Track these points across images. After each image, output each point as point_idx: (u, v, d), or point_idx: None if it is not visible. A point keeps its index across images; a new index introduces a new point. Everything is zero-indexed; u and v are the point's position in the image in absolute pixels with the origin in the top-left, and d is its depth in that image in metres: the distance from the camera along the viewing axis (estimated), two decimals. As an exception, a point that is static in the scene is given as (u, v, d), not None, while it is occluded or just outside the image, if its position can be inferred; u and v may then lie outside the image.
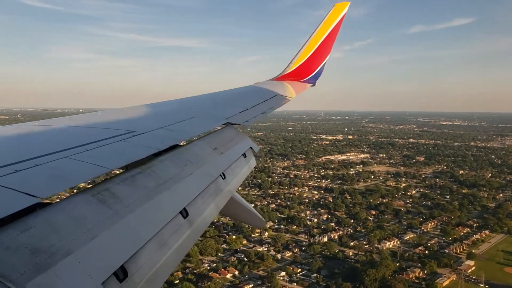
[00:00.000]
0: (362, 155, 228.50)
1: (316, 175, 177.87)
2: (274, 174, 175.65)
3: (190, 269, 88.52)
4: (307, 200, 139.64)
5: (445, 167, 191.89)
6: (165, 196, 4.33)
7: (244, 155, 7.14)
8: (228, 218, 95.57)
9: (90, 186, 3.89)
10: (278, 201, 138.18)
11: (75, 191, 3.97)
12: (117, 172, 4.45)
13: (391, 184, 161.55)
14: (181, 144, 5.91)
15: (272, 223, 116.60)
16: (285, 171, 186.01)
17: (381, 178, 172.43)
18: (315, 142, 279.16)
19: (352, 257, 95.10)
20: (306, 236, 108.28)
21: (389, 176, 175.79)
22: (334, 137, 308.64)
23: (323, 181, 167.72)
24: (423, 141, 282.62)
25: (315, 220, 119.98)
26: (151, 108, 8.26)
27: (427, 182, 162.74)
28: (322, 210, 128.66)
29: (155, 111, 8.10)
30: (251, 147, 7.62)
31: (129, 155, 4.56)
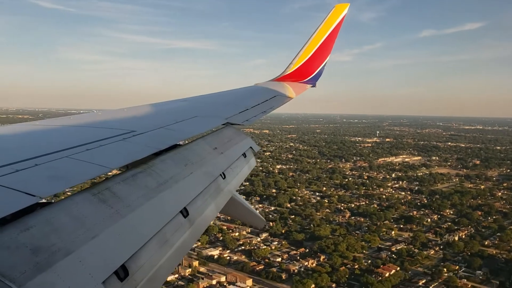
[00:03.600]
0: (415, 158, 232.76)
1: (387, 176, 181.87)
2: (344, 175, 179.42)
3: (349, 266, 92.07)
4: (403, 200, 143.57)
5: (508, 170, 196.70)
6: (165, 196, 4.39)
7: (244, 155, 7.23)
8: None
9: (90, 185, 3.93)
10: (374, 201, 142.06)
11: (75, 189, 4.03)
12: (118, 171, 4.53)
13: (470, 186, 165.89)
14: (182, 143, 5.99)
15: (388, 222, 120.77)
16: (353, 172, 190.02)
17: (454, 180, 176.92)
18: (357, 144, 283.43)
19: (499, 255, 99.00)
20: (434, 235, 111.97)
21: (459, 178, 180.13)
22: (372, 140, 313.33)
23: (400, 182, 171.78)
24: (463, 145, 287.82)
25: (428, 220, 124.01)
26: (151, 108, 8.32)
27: (505, 184, 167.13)
28: (427, 211, 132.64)
29: (155, 110, 8.17)
30: (251, 147, 7.76)
31: (129, 155, 4.62)
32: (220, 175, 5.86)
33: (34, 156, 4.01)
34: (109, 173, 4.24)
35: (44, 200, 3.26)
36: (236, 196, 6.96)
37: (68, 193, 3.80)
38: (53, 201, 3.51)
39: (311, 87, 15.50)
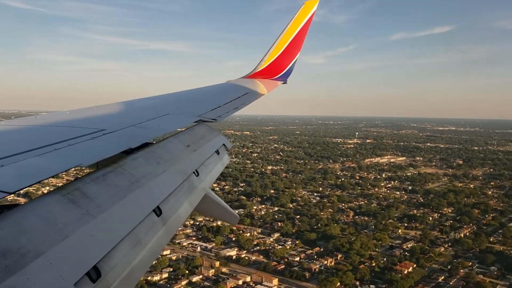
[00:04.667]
0: (400, 158, 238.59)
1: (378, 176, 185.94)
2: (337, 176, 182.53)
3: (367, 263, 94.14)
4: (401, 200, 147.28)
5: (491, 170, 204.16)
6: (137, 195, 4.30)
7: (218, 152, 7.17)
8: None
9: (60, 186, 3.82)
10: (372, 201, 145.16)
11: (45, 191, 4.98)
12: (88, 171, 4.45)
13: (460, 185, 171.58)
14: (154, 142, 5.89)
15: (392, 221, 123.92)
16: (344, 172, 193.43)
17: (443, 180, 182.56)
18: (340, 146, 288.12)
19: (506, 251, 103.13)
20: (439, 233, 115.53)
21: (448, 177, 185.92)
22: (352, 141, 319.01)
23: (392, 182, 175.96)
24: (442, 146, 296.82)
25: (430, 218, 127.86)
26: (122, 106, 8.18)
27: (492, 183, 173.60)
28: (426, 209, 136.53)
29: (126, 109, 8.02)
30: (224, 144, 7.68)
31: (99, 153, 4.53)
32: (194, 172, 5.80)
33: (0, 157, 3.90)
34: (79, 174, 4.21)
35: (12, 203, 3.25)
36: (210, 194, 6.99)
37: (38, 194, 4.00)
38: (21, 203, 3.43)
39: (282, 83, 15.57)
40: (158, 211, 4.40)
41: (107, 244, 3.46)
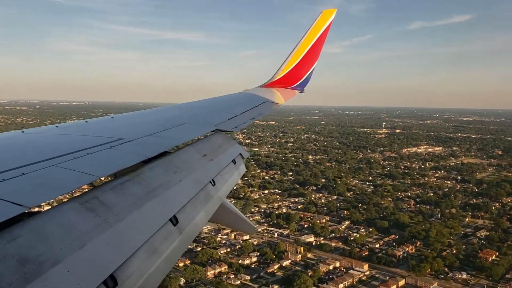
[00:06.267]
0: (437, 148, 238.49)
1: (422, 166, 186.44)
2: (382, 166, 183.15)
3: (448, 251, 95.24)
4: (454, 189, 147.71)
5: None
6: (154, 204, 4.35)
7: (234, 161, 7.17)
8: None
9: (78, 194, 3.88)
10: (427, 190, 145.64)
11: (64, 199, 4.00)
12: (106, 180, 4.47)
13: (509, 175, 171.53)
14: (171, 151, 5.92)
15: (454, 210, 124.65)
16: (388, 162, 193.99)
17: (489, 170, 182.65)
18: (371, 136, 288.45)
19: None
20: (508, 222, 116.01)
21: (494, 168, 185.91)
22: (382, 131, 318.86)
23: (439, 172, 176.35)
24: (473, 136, 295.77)
25: (493, 207, 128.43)
26: (139, 116, 8.30)
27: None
28: (484, 199, 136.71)
29: (143, 118, 8.12)
30: (240, 154, 7.67)
31: (117, 163, 4.58)
32: (210, 182, 5.83)
33: (21, 165, 3.99)
34: (97, 182, 4.24)
35: (32, 210, 3.25)
36: (226, 203, 7.04)
37: (56, 203, 3.78)
38: (41, 210, 3.47)
39: (299, 92, 15.72)
40: (174, 220, 4.43)
41: (124, 253, 3.49)
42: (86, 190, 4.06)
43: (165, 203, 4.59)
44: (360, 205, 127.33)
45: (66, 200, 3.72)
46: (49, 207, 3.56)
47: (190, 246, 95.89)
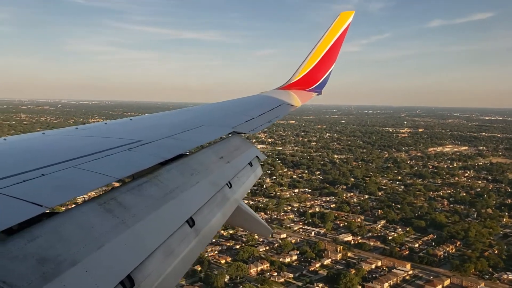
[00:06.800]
0: (463, 148, 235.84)
1: (450, 165, 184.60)
2: (410, 165, 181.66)
3: (489, 252, 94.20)
4: (487, 189, 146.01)
5: None
6: (171, 205, 4.39)
7: (251, 164, 7.20)
8: None
9: (96, 195, 3.94)
10: (458, 189, 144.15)
11: (82, 199, 4.08)
12: (124, 181, 4.53)
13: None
14: (188, 153, 5.96)
15: (490, 210, 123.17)
16: (415, 161, 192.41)
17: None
18: (394, 135, 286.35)
19: None
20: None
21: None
22: (404, 130, 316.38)
23: (468, 171, 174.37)
24: (499, 135, 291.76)
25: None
26: (157, 118, 8.46)
27: None
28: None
29: (161, 120, 8.25)
30: (257, 156, 7.69)
31: (135, 164, 4.64)
32: (226, 184, 5.86)
33: (41, 166, 4.05)
34: (115, 183, 4.29)
35: (51, 210, 3.28)
36: (243, 206, 7.07)
37: (74, 204, 3.87)
38: (60, 210, 3.53)
39: (317, 95, 15.61)
40: (191, 222, 4.47)
41: (141, 254, 3.53)
42: (104, 191, 4.12)
43: (182, 204, 4.63)
44: (393, 204, 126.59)
45: (85, 201, 3.79)
46: (69, 207, 3.61)
47: (229, 244, 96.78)
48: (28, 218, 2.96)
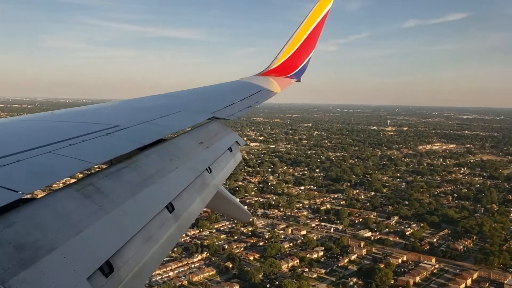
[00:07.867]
0: (450, 146, 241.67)
1: (443, 163, 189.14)
2: (406, 163, 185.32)
3: (506, 245, 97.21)
4: (487, 185, 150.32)
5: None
6: (150, 191, 4.34)
7: (230, 149, 7.18)
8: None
9: (74, 181, 3.84)
10: (459, 186, 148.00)
11: (59, 185, 3.92)
12: (102, 167, 4.42)
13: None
14: (167, 138, 5.88)
15: (495, 205, 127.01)
16: (408, 159, 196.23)
17: (511, 166, 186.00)
18: (380, 133, 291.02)
19: None
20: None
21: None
22: (389, 128, 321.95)
23: (462, 168, 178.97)
24: (482, 133, 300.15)
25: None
26: (136, 103, 8.22)
27: None
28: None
29: (140, 105, 8.03)
30: (236, 141, 7.68)
31: (113, 150, 4.57)
32: (206, 169, 5.83)
33: (16, 151, 3.94)
34: (93, 168, 4.24)
35: (27, 196, 3.21)
36: (223, 191, 7.13)
37: (51, 190, 3.71)
38: (37, 197, 3.44)
39: (296, 81, 15.60)
40: (170, 208, 4.44)
41: (120, 240, 3.50)
42: (82, 177, 4.03)
43: (161, 190, 4.58)
44: (401, 201, 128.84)
45: (61, 186, 3.71)
46: (45, 193, 3.53)
47: (252, 241, 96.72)
48: (4, 204, 2.88)
